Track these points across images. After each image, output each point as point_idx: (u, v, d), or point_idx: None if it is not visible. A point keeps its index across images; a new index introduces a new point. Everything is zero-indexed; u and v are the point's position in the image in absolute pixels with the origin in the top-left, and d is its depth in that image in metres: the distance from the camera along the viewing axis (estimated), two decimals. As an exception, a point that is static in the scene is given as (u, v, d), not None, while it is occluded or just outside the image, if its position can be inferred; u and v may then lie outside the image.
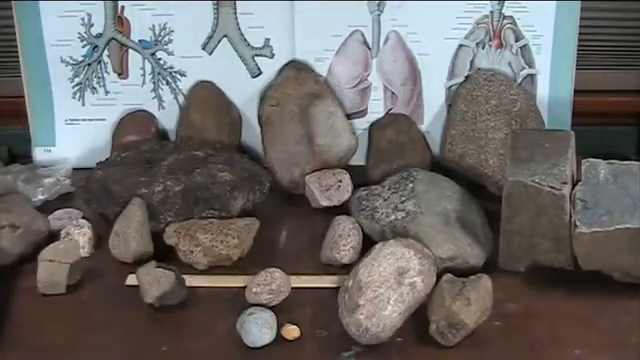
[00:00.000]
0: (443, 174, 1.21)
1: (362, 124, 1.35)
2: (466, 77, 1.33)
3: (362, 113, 1.36)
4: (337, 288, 1.00)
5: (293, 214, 1.25)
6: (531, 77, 1.34)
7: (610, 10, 1.37)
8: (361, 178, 1.27)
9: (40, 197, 1.26)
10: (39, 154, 1.38)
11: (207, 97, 1.34)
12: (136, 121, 1.35)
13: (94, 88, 1.37)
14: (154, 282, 1.00)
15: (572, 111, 1.34)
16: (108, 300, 1.04)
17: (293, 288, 1.03)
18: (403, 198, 1.13)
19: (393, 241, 0.99)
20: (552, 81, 1.33)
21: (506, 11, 1.31)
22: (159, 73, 1.36)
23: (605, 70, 1.41)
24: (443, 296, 0.95)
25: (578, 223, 0.98)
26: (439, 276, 0.99)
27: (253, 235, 1.13)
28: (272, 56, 1.34)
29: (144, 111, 1.37)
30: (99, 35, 1.34)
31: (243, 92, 1.35)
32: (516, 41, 1.32)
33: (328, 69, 1.34)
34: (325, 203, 1.23)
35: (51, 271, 1.04)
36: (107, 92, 1.37)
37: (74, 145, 1.37)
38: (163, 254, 1.11)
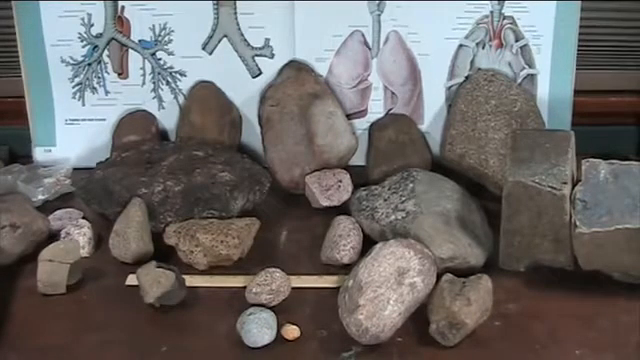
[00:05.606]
0: (443, 174, 1.21)
1: (362, 124, 1.36)
2: (466, 77, 1.33)
3: (362, 113, 1.36)
4: (337, 288, 1.00)
5: (293, 214, 1.25)
6: (531, 77, 1.34)
7: (610, 10, 1.37)
8: (361, 178, 1.27)
9: (40, 197, 1.26)
10: (39, 154, 1.38)
11: (207, 97, 1.34)
12: (136, 121, 1.35)
13: (94, 88, 1.37)
14: (154, 282, 1.00)
15: (572, 111, 1.34)
16: (108, 300, 1.04)
17: (293, 288, 1.03)
18: (403, 198, 1.13)
19: (393, 241, 0.99)
20: (552, 81, 1.33)
21: (506, 11, 1.31)
22: (159, 73, 1.36)
23: (605, 70, 1.41)
24: (443, 296, 0.95)
25: (578, 223, 0.98)
26: (439, 276, 0.99)
27: (253, 235, 1.13)
28: (272, 56, 1.34)
29: (144, 111, 1.37)
30: (99, 35, 1.34)
31: (243, 92, 1.35)
32: (516, 41, 1.32)
33: (328, 69, 1.34)
34: (325, 203, 1.23)
35: (51, 271, 1.04)
36: (107, 92, 1.37)
37: (74, 145, 1.37)
38: (163, 254, 1.11)
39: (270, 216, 1.21)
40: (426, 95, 1.35)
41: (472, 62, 1.33)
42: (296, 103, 1.27)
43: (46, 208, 1.23)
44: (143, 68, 1.36)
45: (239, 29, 1.33)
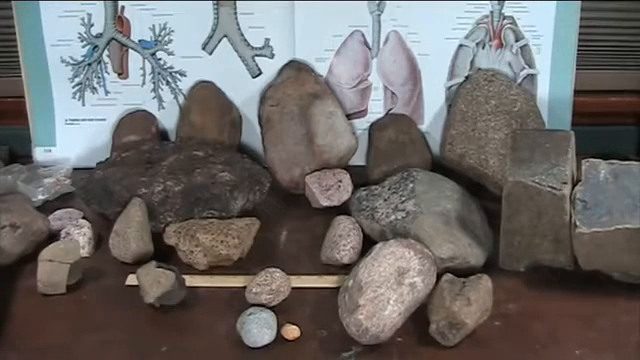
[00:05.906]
0: (443, 174, 1.21)
1: (362, 124, 1.36)
2: (466, 77, 1.33)
3: (362, 113, 1.36)
4: (337, 288, 1.00)
5: (293, 214, 1.25)
6: (531, 77, 1.34)
7: (610, 10, 1.37)
8: (361, 178, 1.27)
9: (40, 197, 1.26)
10: (39, 154, 1.38)
11: (207, 97, 1.34)
12: (136, 121, 1.35)
13: (94, 88, 1.37)
14: (154, 282, 1.00)
15: (572, 111, 1.34)
16: (108, 300, 1.04)
17: (293, 288, 1.03)
18: (403, 198, 1.13)
19: (393, 241, 0.99)
20: (552, 81, 1.33)
21: (506, 11, 1.31)
22: (159, 73, 1.36)
23: (605, 70, 1.41)
24: (443, 296, 0.95)
25: (578, 223, 0.98)
26: (439, 276, 0.99)
27: (253, 235, 1.13)
28: (272, 56, 1.34)
29: (144, 111, 1.37)
30: (99, 35, 1.34)
31: (243, 92, 1.36)
32: (516, 41, 1.32)
33: (328, 69, 1.34)
34: (325, 203, 1.23)
35: (51, 271, 1.04)
36: (107, 92, 1.37)
37: (74, 145, 1.37)
38: (163, 254, 1.11)
39: (270, 216, 1.21)
40: (426, 95, 1.35)
41: (472, 62, 1.33)
42: (296, 103, 1.27)
43: (46, 208, 1.23)
44: (143, 68, 1.36)
45: (239, 29, 1.33)
